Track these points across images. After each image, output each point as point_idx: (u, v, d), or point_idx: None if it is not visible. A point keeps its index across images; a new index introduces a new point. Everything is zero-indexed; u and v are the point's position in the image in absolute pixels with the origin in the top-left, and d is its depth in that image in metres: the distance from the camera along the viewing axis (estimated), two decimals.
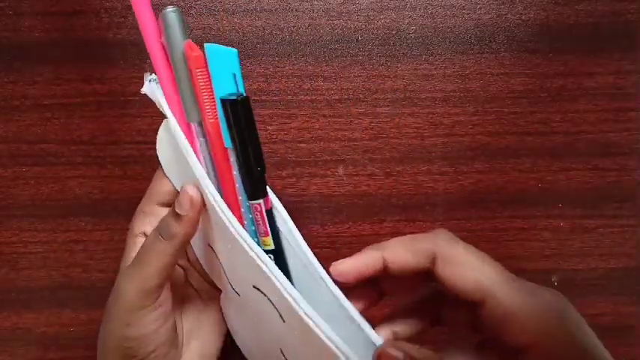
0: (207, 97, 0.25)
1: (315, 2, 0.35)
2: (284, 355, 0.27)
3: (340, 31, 0.35)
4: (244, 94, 0.24)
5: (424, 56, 0.36)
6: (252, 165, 0.25)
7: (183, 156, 0.26)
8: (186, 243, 0.26)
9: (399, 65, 0.36)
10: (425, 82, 0.36)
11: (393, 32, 0.36)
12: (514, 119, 0.36)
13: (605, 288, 0.36)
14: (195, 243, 0.30)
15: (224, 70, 0.24)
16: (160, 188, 0.28)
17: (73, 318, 0.36)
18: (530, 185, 0.36)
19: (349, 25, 0.35)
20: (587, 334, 0.24)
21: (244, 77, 0.26)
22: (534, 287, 0.25)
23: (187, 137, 0.26)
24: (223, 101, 0.24)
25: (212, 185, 0.25)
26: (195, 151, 0.26)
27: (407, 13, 0.35)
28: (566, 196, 0.36)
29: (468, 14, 0.35)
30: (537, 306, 0.24)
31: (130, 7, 0.35)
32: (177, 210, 0.26)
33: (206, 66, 0.24)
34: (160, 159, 0.28)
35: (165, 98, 0.26)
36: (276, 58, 0.35)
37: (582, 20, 0.36)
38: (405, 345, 0.24)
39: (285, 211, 0.26)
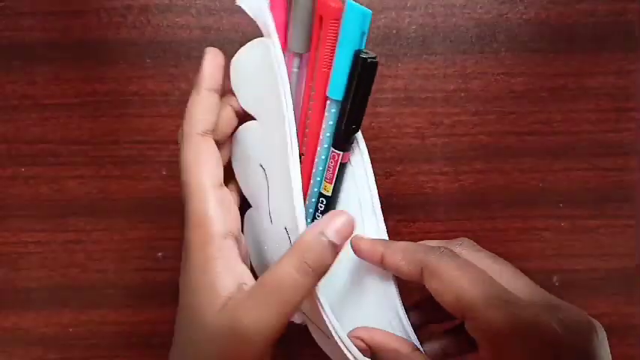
0: (328, 48, 0.26)
1: None
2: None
3: None
4: (374, 56, 0.26)
5: (424, 56, 0.36)
6: (353, 119, 0.27)
7: (269, 81, 0.26)
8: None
9: (399, 65, 0.35)
10: (425, 82, 0.36)
11: (394, 32, 0.35)
12: (515, 119, 0.36)
13: (606, 288, 0.36)
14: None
15: (354, 27, 0.25)
16: (200, 116, 0.26)
17: (72, 318, 0.36)
18: (531, 185, 0.36)
19: None
20: None
21: None
22: (541, 308, 0.24)
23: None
24: (360, 57, 0.25)
25: (292, 118, 0.26)
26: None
27: (407, 12, 0.35)
28: (566, 196, 0.36)
29: (468, 14, 0.35)
30: (522, 334, 0.22)
31: (129, 7, 0.35)
32: (333, 239, 0.23)
33: (339, 19, 0.25)
34: (233, 73, 0.28)
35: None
36: None
37: (583, 20, 0.35)
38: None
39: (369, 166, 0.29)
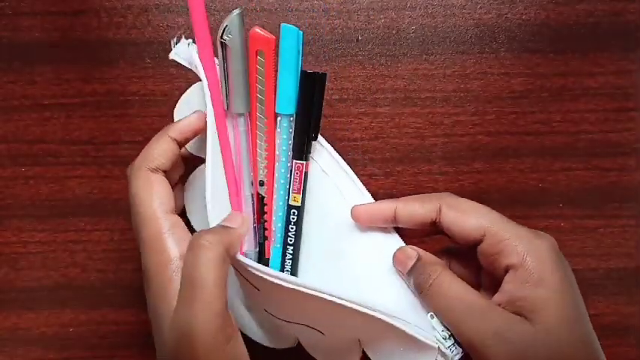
0: (271, 74, 0.29)
1: (315, 2, 0.35)
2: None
3: (340, 31, 0.35)
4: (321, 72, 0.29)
5: (424, 56, 0.36)
6: (310, 130, 0.29)
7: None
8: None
9: (399, 65, 0.35)
10: (425, 82, 0.36)
11: (393, 32, 0.35)
12: (514, 119, 0.36)
13: (606, 288, 0.36)
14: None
15: (292, 47, 0.28)
16: (156, 155, 0.28)
17: (72, 318, 0.36)
18: (531, 185, 0.36)
19: (349, 25, 0.35)
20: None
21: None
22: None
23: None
24: (307, 73, 0.29)
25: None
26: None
27: (407, 12, 0.35)
28: (566, 196, 0.36)
29: (468, 14, 0.35)
30: (530, 234, 0.27)
31: (129, 7, 0.35)
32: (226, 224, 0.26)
33: (276, 48, 0.28)
34: (177, 118, 0.30)
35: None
36: None
37: (583, 20, 0.35)
38: (419, 249, 0.28)
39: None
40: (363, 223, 0.29)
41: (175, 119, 0.30)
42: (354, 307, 0.26)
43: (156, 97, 0.35)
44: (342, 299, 0.26)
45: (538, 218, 0.36)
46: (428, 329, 0.27)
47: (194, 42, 0.29)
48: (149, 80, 0.35)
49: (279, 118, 0.29)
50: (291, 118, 0.29)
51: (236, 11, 0.28)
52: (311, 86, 0.29)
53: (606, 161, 0.36)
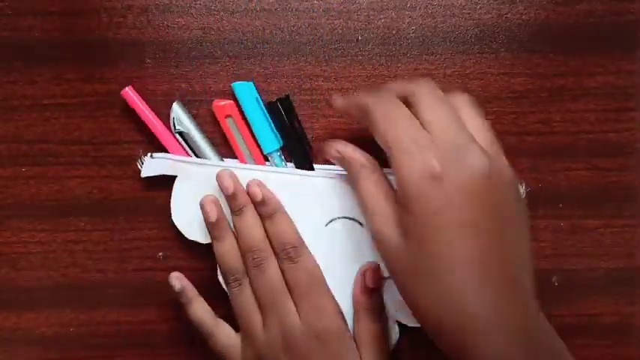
0: (242, 138, 0.35)
1: (315, 2, 0.35)
2: None
3: (340, 31, 0.35)
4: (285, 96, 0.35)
5: (424, 56, 0.36)
6: (303, 152, 0.35)
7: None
8: None
9: (399, 65, 0.36)
10: None
11: (393, 32, 0.36)
12: (514, 119, 0.36)
13: (606, 288, 0.36)
14: None
15: (250, 96, 0.34)
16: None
17: (72, 318, 0.36)
18: (531, 185, 0.36)
19: (349, 25, 0.35)
20: None
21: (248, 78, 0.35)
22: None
23: None
24: (271, 103, 0.35)
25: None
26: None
27: (407, 12, 0.35)
28: (566, 196, 0.36)
29: (468, 14, 0.35)
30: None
31: (129, 7, 0.35)
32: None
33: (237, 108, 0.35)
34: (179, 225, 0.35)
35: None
36: (276, 58, 0.35)
37: (583, 20, 0.35)
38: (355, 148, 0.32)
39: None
40: (339, 107, 0.32)
41: (176, 222, 0.35)
42: None
43: (156, 97, 0.35)
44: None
45: (538, 218, 0.36)
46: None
47: (152, 156, 0.34)
48: (149, 80, 0.35)
49: (270, 158, 0.35)
50: (279, 153, 0.35)
51: (175, 104, 0.34)
52: (281, 111, 0.34)
53: (606, 161, 0.36)
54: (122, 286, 0.36)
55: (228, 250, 0.33)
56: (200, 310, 0.34)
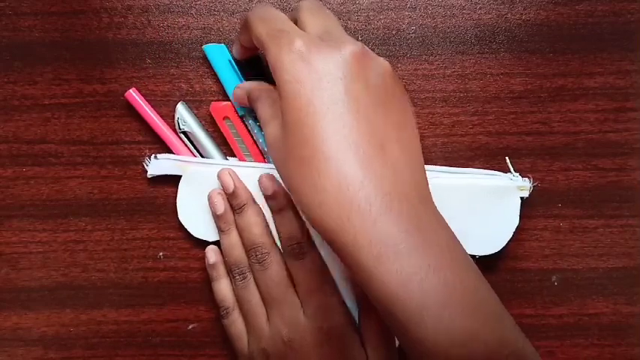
0: (241, 138, 0.35)
1: None
2: None
3: None
4: None
5: (424, 56, 0.36)
6: None
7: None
8: None
9: (398, 65, 0.36)
10: (425, 82, 0.36)
11: (393, 32, 0.36)
12: (514, 119, 0.36)
13: (605, 288, 0.36)
14: None
15: (223, 59, 0.34)
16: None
17: (73, 318, 0.36)
18: (533, 188, 0.36)
19: (349, 25, 0.35)
20: None
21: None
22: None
23: None
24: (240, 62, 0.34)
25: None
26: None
27: (407, 13, 0.35)
28: (565, 196, 0.36)
29: (467, 14, 0.35)
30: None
31: (129, 8, 0.35)
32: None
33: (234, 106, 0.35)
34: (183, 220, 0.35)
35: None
36: None
37: (582, 20, 0.36)
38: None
39: None
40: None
41: (182, 221, 0.35)
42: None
43: (156, 97, 0.35)
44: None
45: (537, 218, 0.36)
46: None
47: (156, 157, 0.35)
48: (149, 80, 0.35)
49: (245, 120, 0.35)
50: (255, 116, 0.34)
51: (179, 104, 0.34)
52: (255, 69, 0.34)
53: (606, 161, 0.36)
54: (122, 286, 0.36)
55: (233, 244, 0.33)
56: (224, 288, 0.34)
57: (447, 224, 0.26)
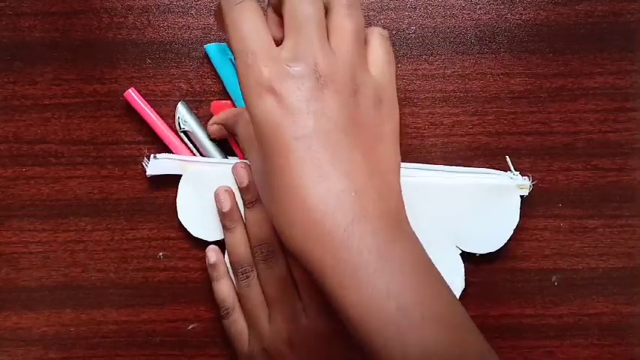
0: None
1: None
2: None
3: None
4: None
5: (424, 56, 0.36)
6: None
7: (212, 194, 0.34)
8: None
9: (398, 65, 0.36)
10: (425, 82, 0.36)
11: (393, 32, 0.36)
12: (514, 119, 0.36)
13: (605, 288, 0.36)
14: None
15: (224, 60, 0.34)
16: None
17: (73, 318, 0.36)
18: (533, 187, 0.36)
19: None
20: None
21: None
22: None
23: None
24: None
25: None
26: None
27: (406, 13, 0.36)
28: (565, 196, 0.36)
29: (467, 14, 0.36)
30: None
31: (130, 8, 0.35)
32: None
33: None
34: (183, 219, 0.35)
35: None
36: None
37: (582, 20, 0.36)
38: None
39: None
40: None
41: (182, 220, 0.35)
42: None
43: (157, 97, 0.36)
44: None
45: (537, 218, 0.36)
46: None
47: (155, 157, 0.34)
48: (150, 80, 0.36)
49: None
50: None
51: (180, 104, 0.34)
52: None
53: (605, 161, 0.36)
54: (123, 286, 0.36)
55: (238, 242, 0.33)
56: (225, 288, 0.34)
57: (418, 247, 0.26)
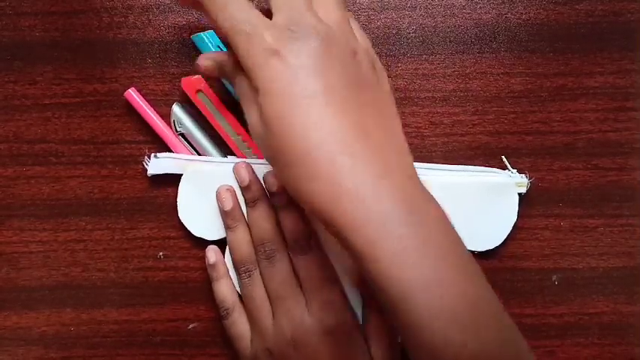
0: (217, 110, 0.35)
1: None
2: None
3: None
4: None
5: (424, 56, 0.36)
6: None
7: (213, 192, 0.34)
8: None
9: (399, 65, 0.36)
10: (425, 82, 0.36)
11: (393, 32, 0.36)
12: (514, 119, 0.36)
13: (606, 287, 0.36)
14: None
15: (212, 47, 0.34)
16: None
17: (73, 317, 0.36)
18: (530, 184, 0.36)
19: None
20: None
21: None
22: None
23: None
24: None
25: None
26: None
27: (407, 12, 0.36)
28: (566, 195, 0.36)
29: (468, 14, 0.36)
30: None
31: (130, 7, 0.35)
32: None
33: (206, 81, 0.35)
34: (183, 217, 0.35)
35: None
36: None
37: (582, 20, 0.36)
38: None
39: None
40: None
41: (183, 219, 0.35)
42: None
43: (157, 96, 0.36)
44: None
45: (538, 217, 0.36)
46: None
47: (156, 156, 0.34)
48: (150, 80, 0.36)
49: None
50: None
51: (174, 106, 0.35)
52: None
53: (606, 161, 0.36)
54: (123, 286, 0.36)
55: (240, 240, 0.33)
56: (225, 289, 0.34)
57: (436, 202, 0.26)
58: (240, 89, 0.29)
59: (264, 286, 0.33)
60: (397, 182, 0.25)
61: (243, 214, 0.34)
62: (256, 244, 0.33)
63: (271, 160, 0.27)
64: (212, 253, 0.34)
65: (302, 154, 0.25)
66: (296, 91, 0.25)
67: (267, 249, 0.33)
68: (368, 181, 0.24)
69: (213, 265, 0.34)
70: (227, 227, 0.34)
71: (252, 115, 0.27)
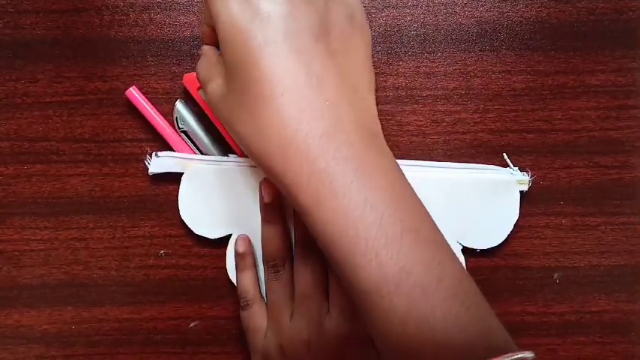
0: None
1: None
2: None
3: None
4: None
5: (426, 54, 0.36)
6: None
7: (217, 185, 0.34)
8: None
9: (400, 63, 0.36)
10: (426, 80, 0.36)
11: (395, 30, 0.36)
12: (515, 117, 0.36)
13: (607, 285, 0.36)
14: None
15: None
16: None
17: (74, 315, 0.36)
18: (532, 182, 0.36)
19: None
20: None
21: None
22: None
23: None
24: None
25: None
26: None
27: (408, 10, 0.36)
28: (567, 193, 0.36)
29: (469, 12, 0.35)
30: None
31: (131, 5, 0.35)
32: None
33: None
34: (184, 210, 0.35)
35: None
36: None
37: (584, 18, 0.36)
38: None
39: None
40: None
41: (184, 218, 0.35)
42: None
43: (158, 95, 0.35)
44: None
45: (539, 215, 0.36)
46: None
47: (157, 155, 0.34)
48: (151, 78, 0.36)
49: None
50: None
51: (178, 103, 0.34)
52: None
53: (607, 159, 0.36)
54: (124, 284, 0.36)
55: (275, 236, 0.33)
56: (249, 280, 0.34)
57: (393, 163, 0.26)
58: (201, 71, 0.29)
59: (294, 284, 0.33)
60: (346, 141, 0.24)
61: (282, 210, 0.33)
62: (297, 241, 0.33)
63: (228, 117, 0.27)
64: (242, 243, 0.34)
65: (256, 104, 0.24)
66: (256, 35, 0.24)
67: (305, 248, 0.32)
68: (315, 138, 0.24)
69: (242, 255, 0.34)
70: (265, 221, 0.33)
71: (211, 86, 0.27)
